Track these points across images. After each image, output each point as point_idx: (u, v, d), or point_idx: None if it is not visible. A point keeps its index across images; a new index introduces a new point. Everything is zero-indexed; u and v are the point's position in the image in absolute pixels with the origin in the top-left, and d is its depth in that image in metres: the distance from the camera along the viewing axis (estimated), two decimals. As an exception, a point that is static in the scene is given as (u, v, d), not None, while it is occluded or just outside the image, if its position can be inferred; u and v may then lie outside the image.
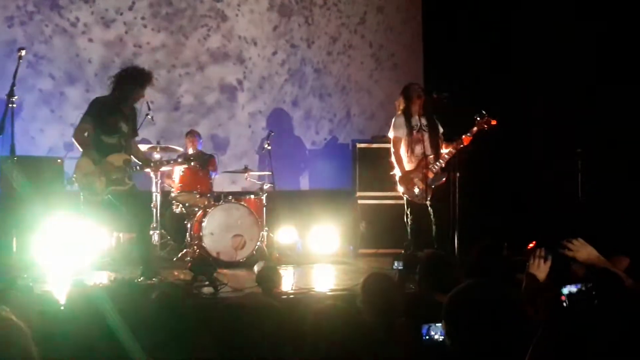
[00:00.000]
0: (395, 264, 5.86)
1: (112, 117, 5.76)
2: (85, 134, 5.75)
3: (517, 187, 8.34)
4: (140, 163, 6.02)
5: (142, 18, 8.34)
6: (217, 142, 8.63)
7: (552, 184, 7.92)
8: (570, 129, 7.71)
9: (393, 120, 6.77)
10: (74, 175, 5.81)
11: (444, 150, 6.59)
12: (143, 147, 7.15)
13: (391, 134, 6.75)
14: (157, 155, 7.23)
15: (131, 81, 5.79)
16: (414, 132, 6.63)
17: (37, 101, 7.95)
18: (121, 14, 8.25)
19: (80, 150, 5.81)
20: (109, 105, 5.78)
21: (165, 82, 8.38)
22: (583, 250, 3.28)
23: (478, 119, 6.48)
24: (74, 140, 5.82)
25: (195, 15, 8.55)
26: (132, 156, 5.93)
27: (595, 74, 7.55)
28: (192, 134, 7.90)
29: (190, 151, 7.75)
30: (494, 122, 6.47)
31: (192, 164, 6.73)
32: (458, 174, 6.42)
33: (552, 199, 7.91)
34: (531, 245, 6.33)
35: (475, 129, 6.47)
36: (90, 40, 8.14)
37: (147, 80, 5.85)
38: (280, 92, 8.92)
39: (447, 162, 6.56)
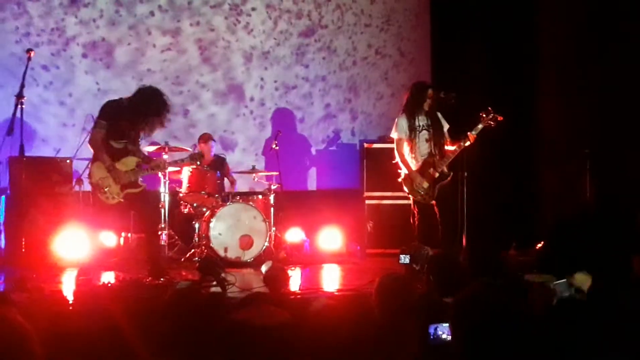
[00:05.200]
0: (402, 258, 5.86)
1: (122, 123, 5.77)
2: (101, 139, 5.75)
3: (525, 187, 8.33)
4: (151, 165, 6.06)
5: (153, 15, 8.36)
6: (225, 143, 8.64)
7: (559, 184, 7.90)
8: (578, 129, 7.70)
9: (396, 121, 6.72)
10: (90, 180, 5.83)
11: (450, 148, 6.53)
12: (151, 148, 7.18)
13: (394, 135, 6.69)
14: (165, 156, 7.23)
15: (152, 111, 5.78)
16: (418, 132, 6.59)
17: (46, 101, 7.97)
18: (133, 14, 8.27)
19: (94, 153, 5.82)
20: (121, 111, 5.79)
21: (174, 82, 8.40)
22: None
23: (484, 115, 6.43)
24: (89, 146, 5.84)
25: (201, 14, 8.57)
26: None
27: (602, 73, 7.53)
28: (207, 140, 7.87)
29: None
30: (500, 119, 6.41)
31: (199, 163, 6.73)
32: (466, 174, 6.40)
33: (560, 199, 7.90)
34: (539, 245, 6.35)
35: (480, 125, 6.41)
36: (103, 39, 8.16)
37: (162, 121, 5.87)
38: (288, 92, 8.92)
39: (453, 161, 6.52)
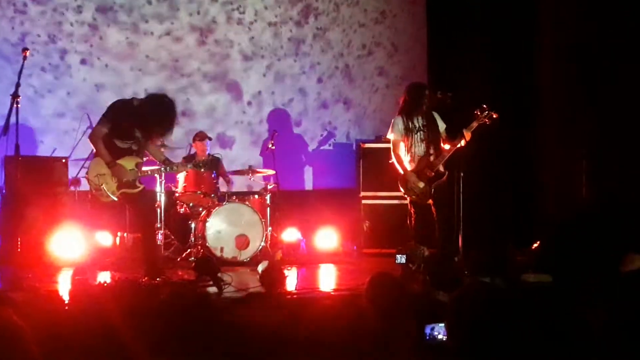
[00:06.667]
0: (398, 258, 5.85)
1: (128, 124, 5.73)
2: (102, 136, 5.72)
3: (522, 187, 8.33)
4: (152, 168, 6.05)
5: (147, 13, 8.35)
6: (222, 142, 8.63)
7: (557, 183, 7.90)
8: (575, 128, 7.70)
9: (392, 121, 6.72)
10: (87, 176, 5.82)
11: (446, 147, 6.53)
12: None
13: (390, 136, 6.69)
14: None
15: (159, 120, 5.72)
16: (414, 133, 6.59)
17: (42, 100, 7.95)
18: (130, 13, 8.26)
19: (95, 150, 5.80)
20: (129, 112, 5.74)
21: (170, 81, 8.39)
22: None
23: (478, 113, 6.42)
24: (89, 141, 5.81)
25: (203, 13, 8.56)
26: (145, 159, 5.95)
27: (601, 71, 7.53)
28: (203, 138, 7.86)
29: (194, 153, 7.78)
30: (495, 116, 6.39)
31: (203, 170, 6.73)
32: (462, 174, 6.39)
33: (558, 198, 7.90)
34: (535, 245, 6.35)
35: (475, 123, 6.39)
36: (101, 38, 8.15)
37: (170, 129, 5.82)
38: (285, 92, 8.91)
39: (449, 160, 6.52)
